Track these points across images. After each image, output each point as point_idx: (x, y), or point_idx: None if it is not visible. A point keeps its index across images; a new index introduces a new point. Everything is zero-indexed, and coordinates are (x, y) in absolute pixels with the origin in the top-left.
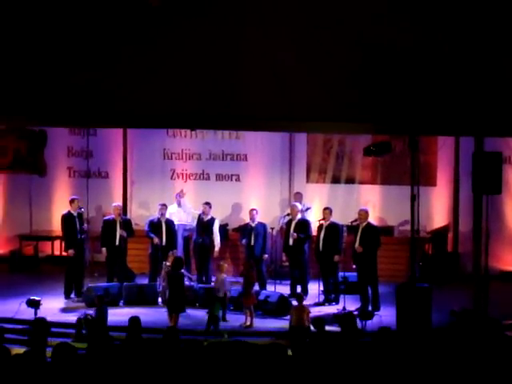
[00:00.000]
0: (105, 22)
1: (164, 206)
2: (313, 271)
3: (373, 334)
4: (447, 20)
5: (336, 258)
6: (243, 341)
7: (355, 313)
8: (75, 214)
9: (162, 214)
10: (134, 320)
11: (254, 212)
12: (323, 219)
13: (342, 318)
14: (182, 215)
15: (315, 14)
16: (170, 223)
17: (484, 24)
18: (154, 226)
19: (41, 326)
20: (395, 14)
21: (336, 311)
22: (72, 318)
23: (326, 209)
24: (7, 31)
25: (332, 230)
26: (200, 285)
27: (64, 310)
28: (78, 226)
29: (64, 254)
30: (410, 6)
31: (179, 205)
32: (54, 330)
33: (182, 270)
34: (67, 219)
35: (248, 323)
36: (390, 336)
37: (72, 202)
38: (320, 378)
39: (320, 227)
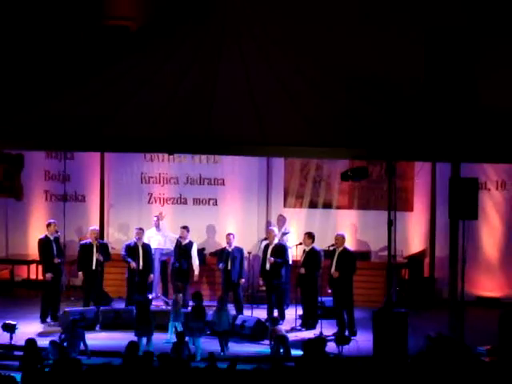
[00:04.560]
0: (83, 46)
1: (141, 230)
2: (292, 295)
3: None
4: (424, 46)
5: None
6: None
7: (331, 338)
8: (52, 238)
9: (139, 238)
10: (132, 344)
11: (231, 236)
12: (300, 244)
13: (308, 343)
14: (161, 239)
15: (292, 40)
16: (146, 247)
17: (460, 50)
18: (131, 250)
19: (32, 348)
20: (372, 41)
21: (313, 336)
22: (47, 342)
23: (305, 234)
24: None
25: (312, 255)
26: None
27: (40, 335)
28: (54, 249)
29: (40, 278)
30: (387, 34)
31: (158, 228)
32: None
33: (159, 295)
34: (44, 243)
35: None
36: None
37: (49, 225)
38: None
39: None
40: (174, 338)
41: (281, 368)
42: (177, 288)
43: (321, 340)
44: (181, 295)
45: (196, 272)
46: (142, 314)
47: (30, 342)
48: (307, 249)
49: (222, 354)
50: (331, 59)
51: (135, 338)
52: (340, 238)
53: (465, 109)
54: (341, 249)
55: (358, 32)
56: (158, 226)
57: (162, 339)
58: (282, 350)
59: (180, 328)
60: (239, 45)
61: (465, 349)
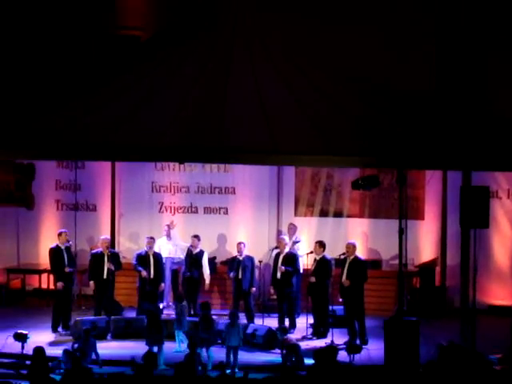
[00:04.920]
0: (93, 56)
1: (152, 239)
2: (303, 304)
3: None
4: (436, 54)
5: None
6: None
7: (343, 346)
8: (63, 247)
9: (150, 247)
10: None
11: (242, 245)
12: (311, 252)
13: (319, 352)
14: (171, 248)
15: (303, 48)
16: (157, 256)
17: (473, 59)
18: (142, 259)
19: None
20: (383, 49)
21: (324, 345)
22: (59, 351)
23: (316, 243)
24: None
25: (322, 263)
26: (189, 318)
27: (52, 344)
28: (65, 259)
29: (52, 287)
30: (398, 42)
31: (169, 237)
32: None
33: (170, 304)
34: (55, 252)
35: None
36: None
37: (60, 235)
38: None
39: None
40: (182, 347)
41: (292, 377)
42: (180, 297)
43: (332, 349)
44: (185, 304)
45: (207, 281)
46: (152, 322)
47: (38, 350)
48: (318, 257)
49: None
50: (341, 67)
51: (146, 348)
52: (351, 247)
53: (476, 117)
54: (352, 257)
55: (369, 40)
56: (168, 235)
57: (173, 348)
58: (293, 359)
59: (183, 337)
60: (249, 54)
61: (477, 356)
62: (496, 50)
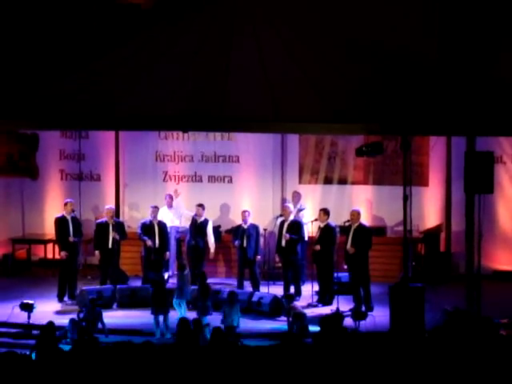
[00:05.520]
0: (95, 25)
1: (156, 208)
2: (308, 271)
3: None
4: (439, 20)
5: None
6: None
7: (348, 313)
8: (69, 217)
9: (154, 216)
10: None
11: (246, 213)
12: (315, 220)
13: (325, 319)
14: (174, 218)
15: (305, 14)
16: (162, 225)
17: (476, 23)
18: (147, 228)
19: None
20: (386, 14)
21: (330, 312)
22: (66, 320)
23: (320, 210)
24: None
25: (327, 231)
26: (193, 286)
27: (58, 313)
28: (71, 228)
29: (57, 257)
30: (402, 8)
31: (170, 207)
32: None
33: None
34: (60, 222)
35: None
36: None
37: (66, 205)
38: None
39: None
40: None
41: (298, 344)
42: (182, 266)
43: (338, 316)
44: (187, 272)
45: (212, 250)
46: (157, 292)
47: (49, 324)
48: (322, 225)
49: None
50: (345, 34)
51: (152, 316)
52: (356, 214)
53: (480, 82)
54: (356, 224)
55: (372, 5)
56: (169, 205)
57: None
58: (296, 327)
59: (184, 306)
60: (252, 22)
61: (485, 320)
62: (500, 12)
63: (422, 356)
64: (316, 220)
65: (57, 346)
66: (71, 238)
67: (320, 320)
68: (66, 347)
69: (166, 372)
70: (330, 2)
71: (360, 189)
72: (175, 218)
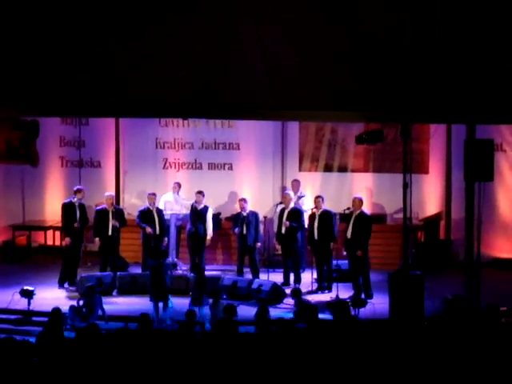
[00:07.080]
0: (95, 13)
1: (154, 195)
2: (307, 259)
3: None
4: (440, 8)
5: (331, 245)
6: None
7: (347, 300)
8: (77, 204)
9: (153, 204)
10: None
11: (243, 202)
12: (315, 208)
13: (335, 305)
14: (175, 206)
15: (306, 2)
16: (160, 212)
17: (476, 13)
18: (145, 215)
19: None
20: (386, 2)
21: (329, 299)
22: (66, 307)
23: (317, 197)
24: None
25: (325, 217)
26: (193, 274)
27: (58, 300)
28: (77, 215)
29: (57, 243)
30: None
31: (177, 193)
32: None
33: (175, 260)
34: (67, 208)
35: None
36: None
37: (78, 191)
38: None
39: (313, 216)
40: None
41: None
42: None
43: (344, 302)
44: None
45: (208, 237)
46: (156, 279)
47: (56, 310)
48: (318, 212)
49: None
50: (345, 22)
51: (152, 303)
52: (357, 201)
53: (480, 69)
54: (358, 212)
55: None
56: (177, 192)
57: (180, 304)
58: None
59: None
60: (253, 8)
61: (491, 308)
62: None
63: (421, 343)
64: (316, 207)
65: (62, 332)
66: (76, 224)
67: (327, 304)
68: (67, 334)
69: (164, 358)
70: None
71: (360, 176)
72: (176, 207)
